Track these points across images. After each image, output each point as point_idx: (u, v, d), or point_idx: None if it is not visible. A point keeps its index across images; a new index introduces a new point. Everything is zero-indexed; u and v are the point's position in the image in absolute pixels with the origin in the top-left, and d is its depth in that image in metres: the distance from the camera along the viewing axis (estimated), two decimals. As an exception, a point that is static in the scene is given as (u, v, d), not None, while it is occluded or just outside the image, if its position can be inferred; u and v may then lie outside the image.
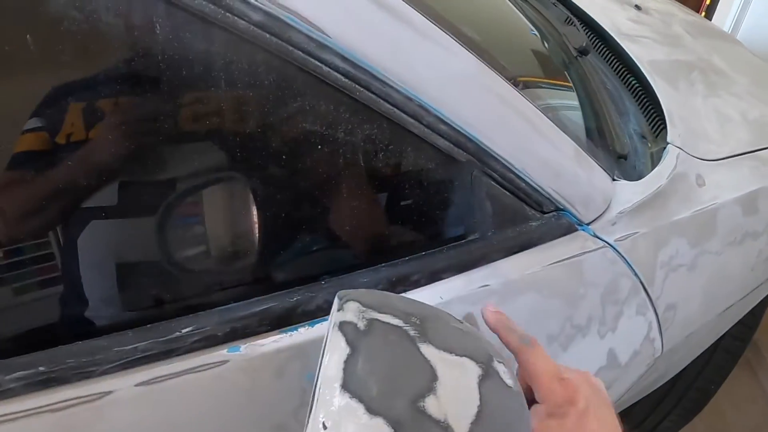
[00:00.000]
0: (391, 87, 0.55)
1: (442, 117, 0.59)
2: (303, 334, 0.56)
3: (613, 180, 0.78)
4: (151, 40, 0.47)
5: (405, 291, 0.61)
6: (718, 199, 0.85)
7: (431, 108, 0.58)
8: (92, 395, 0.49)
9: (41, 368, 0.48)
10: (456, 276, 0.64)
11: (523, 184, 0.66)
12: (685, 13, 1.30)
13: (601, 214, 0.75)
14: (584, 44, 0.95)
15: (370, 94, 0.55)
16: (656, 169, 0.82)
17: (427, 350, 0.40)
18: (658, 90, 0.93)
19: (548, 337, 0.69)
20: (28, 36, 0.44)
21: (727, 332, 1.09)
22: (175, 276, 0.54)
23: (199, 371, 0.52)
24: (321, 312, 0.57)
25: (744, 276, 0.93)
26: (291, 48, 0.51)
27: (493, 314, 0.53)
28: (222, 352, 0.53)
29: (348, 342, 0.38)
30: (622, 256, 0.75)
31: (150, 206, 0.53)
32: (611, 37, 1.04)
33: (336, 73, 0.53)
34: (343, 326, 0.39)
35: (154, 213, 0.53)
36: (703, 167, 0.87)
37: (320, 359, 0.38)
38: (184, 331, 0.52)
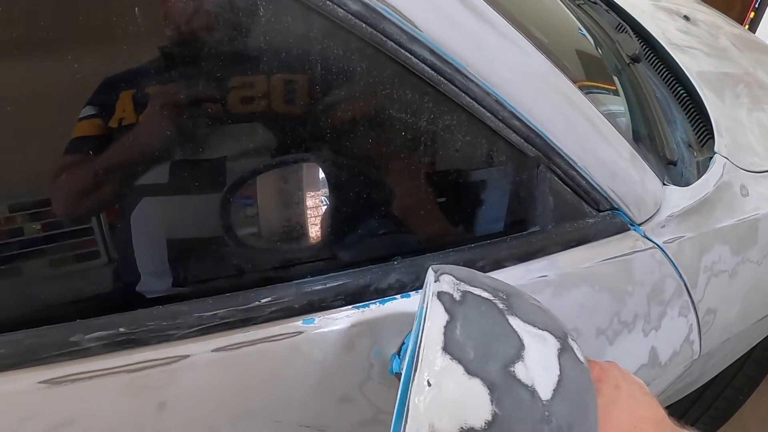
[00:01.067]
0: (473, 82, 0.59)
1: (515, 113, 0.62)
2: (374, 311, 0.60)
3: (664, 185, 0.81)
4: (254, 22, 0.51)
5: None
6: (761, 210, 0.88)
7: (507, 104, 0.62)
8: (169, 358, 0.53)
9: (121, 329, 0.52)
10: (517, 265, 0.67)
11: (584, 182, 0.70)
12: (731, 26, 1.33)
13: (651, 216, 0.78)
14: (637, 52, 0.98)
15: (453, 87, 0.59)
16: (704, 176, 0.85)
17: (514, 322, 0.44)
18: (706, 100, 0.97)
19: (597, 330, 0.73)
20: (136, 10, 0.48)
21: (758, 344, 1.12)
22: (257, 248, 0.58)
23: (274, 340, 0.56)
24: (392, 290, 0.61)
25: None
26: (384, 38, 0.55)
27: None
28: (297, 324, 0.57)
29: (446, 310, 0.42)
30: (669, 258, 0.79)
31: (239, 183, 0.57)
32: (661, 46, 1.07)
33: (424, 65, 0.57)
34: (441, 296, 0.43)
35: (242, 188, 0.57)
36: (747, 178, 0.90)
37: (421, 324, 0.42)
38: (262, 301, 0.56)
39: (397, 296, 0.61)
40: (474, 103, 0.60)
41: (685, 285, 0.81)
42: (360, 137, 0.58)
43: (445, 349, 0.40)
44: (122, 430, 0.53)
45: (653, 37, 1.10)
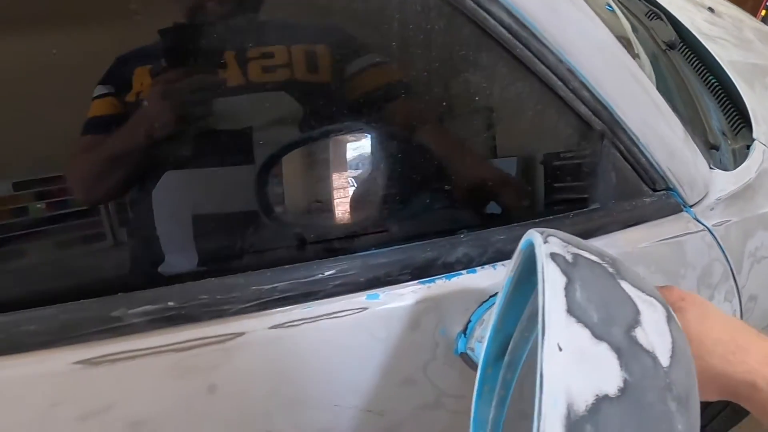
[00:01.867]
0: (547, 48, 0.57)
1: (586, 83, 0.61)
2: (440, 286, 0.57)
3: (710, 168, 0.81)
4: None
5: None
6: (801, 197, 0.88)
7: (578, 73, 0.60)
8: (222, 336, 0.49)
9: (170, 303, 0.48)
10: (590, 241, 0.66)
11: (643, 159, 0.68)
12: (751, 20, 1.34)
13: (701, 199, 0.77)
14: (673, 38, 0.98)
15: (527, 53, 0.57)
16: (746, 162, 0.85)
17: (625, 286, 0.42)
18: (741, 90, 0.97)
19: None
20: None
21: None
22: (321, 217, 0.55)
23: (337, 317, 0.53)
24: (459, 265, 0.58)
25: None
26: (464, -4, 0.52)
27: None
28: (361, 299, 0.54)
29: (562, 271, 0.39)
30: (718, 242, 0.78)
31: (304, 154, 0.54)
32: (692, 35, 1.08)
33: (501, 27, 0.55)
34: (554, 257, 0.40)
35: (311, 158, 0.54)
36: (786, 166, 0.90)
37: (540, 287, 0.40)
38: (326, 273, 0.53)
39: (464, 271, 0.59)
40: (547, 70, 0.59)
41: (731, 269, 0.80)
42: (432, 103, 0.56)
43: (569, 311, 0.37)
44: (166, 417, 0.49)
45: (683, 25, 1.10)
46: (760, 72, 1.08)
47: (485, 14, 0.54)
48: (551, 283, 0.39)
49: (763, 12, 2.74)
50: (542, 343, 0.37)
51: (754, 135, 0.90)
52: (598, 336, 0.37)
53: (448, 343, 0.58)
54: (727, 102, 1.00)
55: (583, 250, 0.43)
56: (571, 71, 0.60)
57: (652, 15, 1.08)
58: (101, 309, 0.46)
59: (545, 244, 0.42)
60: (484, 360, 0.50)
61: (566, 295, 0.38)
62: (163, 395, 0.48)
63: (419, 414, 0.59)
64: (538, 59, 0.58)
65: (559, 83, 0.60)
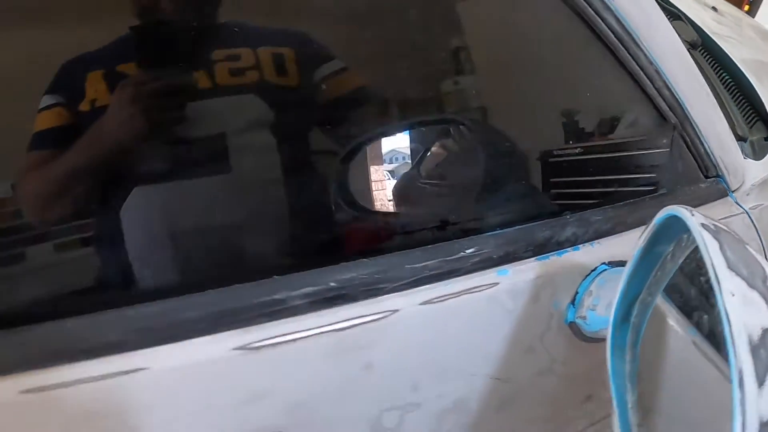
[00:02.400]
0: (641, 50, 0.66)
1: (667, 82, 0.70)
2: (553, 262, 0.65)
3: (744, 157, 0.92)
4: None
5: (623, 232, 0.71)
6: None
7: (662, 73, 0.69)
8: (378, 313, 0.54)
9: (332, 284, 0.52)
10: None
11: (702, 149, 0.78)
12: (747, 18, 1.48)
13: (740, 186, 0.88)
14: (695, 38, 1.09)
15: (626, 53, 0.65)
16: (771, 151, 0.96)
17: (749, 249, 0.50)
18: (756, 86, 1.09)
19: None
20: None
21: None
22: (463, 199, 0.62)
23: (475, 292, 0.60)
24: (567, 243, 0.66)
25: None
26: (586, 4, 0.60)
27: None
28: (493, 275, 0.61)
29: (713, 237, 0.48)
30: (754, 224, 0.89)
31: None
32: (705, 34, 1.19)
33: (608, 30, 0.63)
34: (704, 226, 0.49)
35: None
36: (799, 155, 1.03)
37: (704, 249, 0.48)
38: (467, 251, 0.60)
39: (570, 249, 0.67)
40: (639, 70, 0.67)
41: (764, 248, 0.91)
42: (553, 95, 0.64)
43: (729, 267, 0.46)
44: (324, 397, 0.52)
45: (697, 25, 1.21)
46: (766, 68, 1.20)
47: (599, 19, 0.62)
48: (711, 245, 0.47)
49: (747, 6, 2.93)
50: (720, 291, 0.45)
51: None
52: (750, 286, 0.46)
53: (560, 314, 0.66)
54: (741, 98, 1.12)
55: (713, 221, 0.52)
56: (657, 71, 0.68)
57: (673, 16, 1.19)
58: (264, 293, 0.49)
59: (694, 216, 0.50)
60: (613, 322, 0.58)
61: (723, 255, 0.47)
62: (322, 376, 0.52)
63: (535, 380, 0.67)
64: (633, 59, 0.66)
65: (647, 81, 0.68)
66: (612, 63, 0.65)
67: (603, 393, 0.77)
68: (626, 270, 0.58)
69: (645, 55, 0.66)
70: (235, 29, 0.52)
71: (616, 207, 0.71)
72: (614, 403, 0.56)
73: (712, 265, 0.46)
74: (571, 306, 0.66)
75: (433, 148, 0.60)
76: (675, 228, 0.56)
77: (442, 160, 0.61)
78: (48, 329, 0.43)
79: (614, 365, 0.57)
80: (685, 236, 0.56)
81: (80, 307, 0.44)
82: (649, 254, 0.58)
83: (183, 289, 0.48)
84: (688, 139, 0.76)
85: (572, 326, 0.67)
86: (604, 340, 0.59)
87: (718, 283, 0.44)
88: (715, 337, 0.52)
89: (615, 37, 0.64)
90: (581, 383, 0.72)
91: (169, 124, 0.51)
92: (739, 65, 1.12)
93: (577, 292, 0.66)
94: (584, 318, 0.66)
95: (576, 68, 0.64)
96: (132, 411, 0.44)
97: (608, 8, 0.62)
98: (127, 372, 0.44)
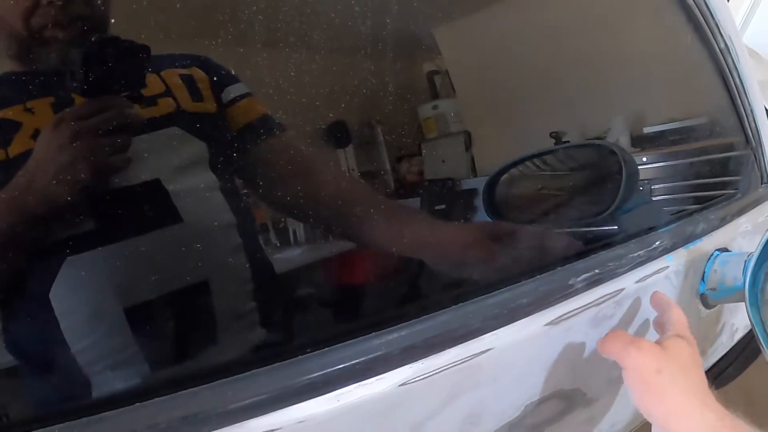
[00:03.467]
0: (743, 86, 0.93)
1: (752, 107, 0.97)
2: (692, 251, 0.89)
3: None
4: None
5: (724, 225, 0.97)
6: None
7: (749, 99, 0.96)
8: (616, 290, 0.72)
9: (596, 270, 0.70)
10: (736, 219, 1.02)
11: (764, 163, 1.07)
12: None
13: (776, 187, 1.18)
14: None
15: (734, 85, 0.92)
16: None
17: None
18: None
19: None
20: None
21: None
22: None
23: (659, 272, 0.81)
24: (699, 235, 0.91)
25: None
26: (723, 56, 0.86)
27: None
28: (665, 260, 0.84)
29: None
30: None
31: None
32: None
33: (729, 72, 0.89)
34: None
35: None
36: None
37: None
38: (655, 244, 0.83)
39: (698, 240, 0.92)
40: (738, 99, 0.94)
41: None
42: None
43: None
44: (588, 360, 0.71)
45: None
46: (763, 87, 1.53)
47: (725, 62, 0.88)
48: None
49: None
50: None
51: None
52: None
53: (695, 288, 0.91)
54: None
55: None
56: (748, 100, 0.96)
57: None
58: (561, 280, 0.67)
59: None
60: (749, 285, 0.83)
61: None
62: (588, 341, 0.69)
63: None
64: (738, 92, 0.93)
65: (741, 106, 0.95)
66: (731, 104, 0.91)
67: (709, 349, 1.03)
68: (756, 250, 0.83)
69: (744, 87, 0.93)
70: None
71: (720, 207, 0.97)
72: (763, 344, 0.81)
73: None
74: (702, 282, 0.92)
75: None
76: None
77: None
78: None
79: (755, 316, 0.82)
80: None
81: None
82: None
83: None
84: (757, 153, 1.04)
85: (702, 297, 0.92)
86: (717, 306, 0.83)
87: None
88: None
89: (735, 87, 0.90)
90: (701, 340, 0.96)
91: (115, 168, 0.44)
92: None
93: (704, 272, 0.92)
94: (714, 289, 0.91)
95: (709, 107, 0.90)
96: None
97: (737, 69, 0.87)
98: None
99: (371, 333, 0.53)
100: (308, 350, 0.50)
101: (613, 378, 0.76)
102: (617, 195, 0.87)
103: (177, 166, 0.47)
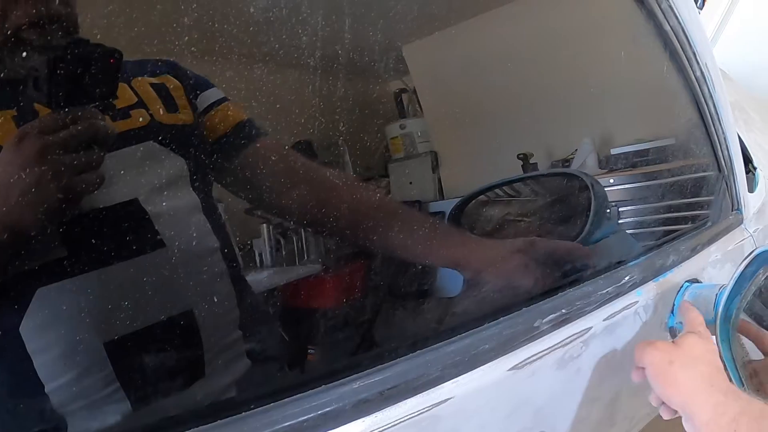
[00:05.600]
0: (717, 114, 0.95)
1: (725, 134, 0.99)
2: (661, 283, 0.91)
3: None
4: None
5: (695, 256, 0.99)
6: (784, 209, 1.38)
7: (722, 126, 0.98)
8: (584, 330, 0.73)
9: (563, 310, 0.71)
10: (706, 248, 1.04)
11: (735, 190, 1.10)
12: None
13: (747, 215, 1.21)
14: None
15: (708, 113, 0.94)
16: (759, 185, 1.32)
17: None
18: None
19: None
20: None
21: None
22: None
23: (629, 308, 0.82)
24: (668, 267, 0.93)
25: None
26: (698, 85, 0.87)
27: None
28: (634, 295, 0.85)
29: None
30: (755, 245, 1.23)
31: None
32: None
33: (703, 100, 0.91)
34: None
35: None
36: (770, 186, 1.39)
37: None
38: (625, 279, 0.83)
39: (667, 272, 0.93)
40: (712, 126, 0.96)
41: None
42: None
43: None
44: (553, 400, 0.71)
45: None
46: (732, 108, 1.58)
47: (700, 90, 0.89)
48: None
49: None
50: None
51: (756, 164, 1.37)
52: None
53: (664, 322, 0.92)
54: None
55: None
56: (721, 125, 0.98)
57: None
58: (526, 322, 0.66)
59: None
60: (720, 320, 0.84)
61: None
62: (553, 383, 0.69)
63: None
64: (711, 118, 0.95)
65: (714, 132, 0.97)
66: (704, 132, 0.93)
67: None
68: (729, 284, 0.85)
69: (718, 114, 0.95)
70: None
71: (691, 236, 0.99)
72: (734, 379, 0.82)
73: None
74: (671, 314, 0.93)
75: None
76: (763, 257, 0.84)
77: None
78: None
79: (725, 352, 0.84)
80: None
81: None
82: (743, 275, 0.86)
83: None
84: (728, 182, 1.06)
85: (671, 330, 0.94)
86: None
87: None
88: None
89: (710, 116, 0.91)
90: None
91: (87, 188, 0.41)
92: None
93: (673, 304, 0.93)
94: (683, 323, 0.93)
95: (684, 135, 0.91)
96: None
97: (712, 98, 0.89)
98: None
99: (320, 386, 0.51)
100: (251, 407, 0.47)
101: (581, 418, 0.77)
102: (585, 225, 0.88)
103: (155, 185, 0.45)
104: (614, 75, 0.93)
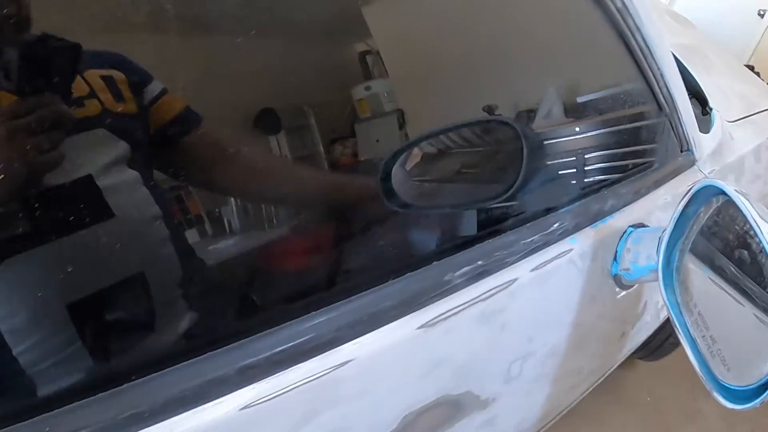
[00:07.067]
0: (655, 60, 0.92)
1: (661, 70, 0.97)
2: (601, 229, 0.89)
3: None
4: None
5: (639, 199, 0.97)
6: (744, 149, 1.36)
7: (665, 77, 0.96)
8: (507, 282, 0.71)
9: (479, 262, 0.69)
10: (656, 190, 1.02)
11: (681, 130, 1.07)
12: (665, 6, 1.84)
13: (700, 156, 1.19)
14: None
15: (646, 64, 0.91)
16: (714, 126, 1.29)
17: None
18: (688, 67, 1.42)
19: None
20: None
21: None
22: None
23: (562, 256, 0.81)
24: (608, 212, 0.90)
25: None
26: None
27: None
28: (568, 243, 0.84)
29: (746, 198, 0.73)
30: (711, 186, 1.20)
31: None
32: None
33: (637, 47, 0.88)
34: (738, 192, 0.74)
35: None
36: (729, 127, 1.37)
37: (745, 206, 0.72)
38: (555, 225, 0.82)
39: (607, 218, 0.91)
40: (645, 62, 0.93)
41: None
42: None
43: (761, 216, 0.71)
44: (476, 357, 0.70)
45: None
46: (691, 51, 1.55)
47: (633, 39, 0.87)
48: (747, 204, 0.73)
49: None
50: (761, 231, 0.70)
51: (711, 105, 1.35)
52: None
53: (607, 269, 0.91)
54: (677, 79, 1.45)
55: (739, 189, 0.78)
56: (662, 75, 0.95)
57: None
58: (434, 277, 0.64)
59: (729, 185, 0.76)
60: (662, 265, 0.83)
61: (755, 209, 0.73)
62: (475, 340, 0.68)
63: (595, 323, 0.91)
64: (649, 67, 0.92)
65: (653, 77, 0.95)
66: (635, 68, 0.90)
67: (630, 330, 1.04)
68: (668, 227, 0.83)
69: (656, 63, 0.92)
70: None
71: (633, 180, 0.97)
72: (677, 325, 0.81)
73: (752, 218, 0.72)
74: (614, 262, 0.91)
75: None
76: (704, 194, 0.82)
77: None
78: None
79: (669, 298, 0.82)
80: (714, 200, 0.82)
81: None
82: (684, 214, 0.84)
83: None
84: (673, 123, 1.04)
85: (616, 278, 0.92)
86: (635, 287, 0.83)
87: (759, 228, 0.70)
88: (756, 264, 0.79)
89: (640, 50, 0.89)
90: (619, 323, 0.97)
91: (49, 165, 0.48)
92: (673, 51, 1.44)
93: (616, 251, 0.91)
94: (628, 270, 0.91)
95: (611, 72, 0.89)
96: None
97: (639, 30, 0.86)
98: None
99: (203, 354, 0.50)
100: (132, 378, 0.48)
101: (513, 375, 0.75)
102: (518, 172, 0.86)
103: (105, 163, 0.52)
104: (567, 24, 0.91)
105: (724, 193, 0.75)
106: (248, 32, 0.60)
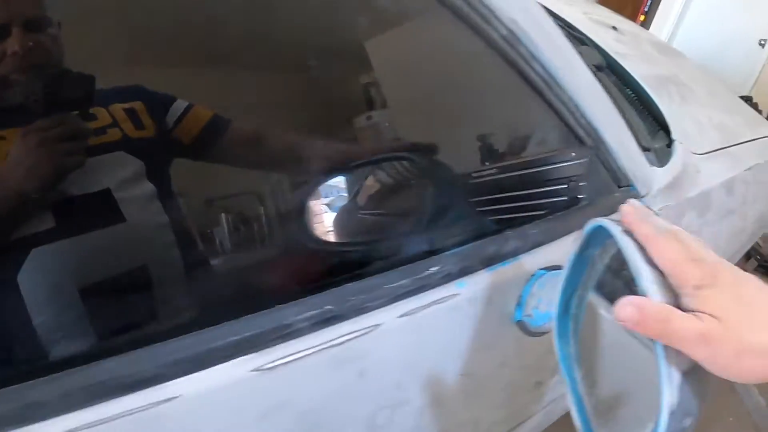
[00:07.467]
0: (563, 90, 0.88)
1: (584, 113, 0.92)
2: (501, 272, 0.85)
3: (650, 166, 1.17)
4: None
5: (556, 240, 0.92)
6: (711, 183, 1.28)
7: (580, 106, 0.91)
8: (366, 328, 0.69)
9: (328, 307, 0.66)
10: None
11: (614, 165, 1.02)
12: (645, 33, 1.78)
13: (649, 191, 1.13)
14: (600, 61, 1.35)
15: (551, 94, 0.87)
16: (673, 159, 1.23)
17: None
18: (655, 99, 1.36)
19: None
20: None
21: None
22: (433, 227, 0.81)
23: (441, 302, 0.77)
24: (510, 254, 0.86)
25: (727, 244, 1.38)
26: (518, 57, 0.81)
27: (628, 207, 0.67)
28: (454, 287, 0.80)
29: (631, 239, 0.67)
30: (663, 224, 1.13)
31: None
32: (609, 55, 1.46)
33: (536, 76, 0.84)
34: (624, 232, 0.68)
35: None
36: (696, 159, 1.30)
37: (627, 249, 0.66)
38: (432, 269, 0.78)
39: (510, 260, 0.87)
40: (562, 106, 0.89)
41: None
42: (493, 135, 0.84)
43: (645, 261, 0.65)
44: (327, 403, 0.67)
45: (601, 48, 1.48)
46: (664, 81, 1.48)
47: (530, 68, 0.83)
48: (631, 247, 0.67)
49: (642, 17, 3.35)
50: (641, 275, 0.64)
51: (674, 136, 1.28)
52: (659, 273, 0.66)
53: (509, 315, 0.86)
54: (643, 110, 1.39)
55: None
56: (576, 105, 0.90)
57: (579, 41, 1.44)
58: (275, 320, 0.63)
59: (617, 225, 0.71)
60: (557, 315, 0.77)
61: (640, 252, 0.67)
62: (327, 385, 0.66)
63: (494, 372, 0.86)
64: (557, 98, 0.88)
65: (569, 115, 0.90)
66: (539, 102, 0.86)
67: (549, 379, 0.98)
68: (564, 271, 0.78)
69: (566, 92, 0.88)
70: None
71: (548, 220, 0.92)
72: (566, 380, 0.75)
73: (633, 260, 0.66)
74: (518, 307, 0.86)
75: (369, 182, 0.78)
76: (601, 235, 0.77)
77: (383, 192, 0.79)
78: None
79: (561, 349, 0.77)
80: (609, 241, 0.77)
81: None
82: (582, 257, 0.79)
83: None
84: (602, 158, 0.98)
85: (519, 324, 0.87)
86: (547, 333, 0.78)
87: (639, 272, 0.65)
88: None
89: (542, 81, 0.84)
90: (531, 372, 0.92)
91: (72, 166, 0.61)
92: (639, 81, 1.38)
93: (521, 295, 0.86)
94: (530, 316, 0.86)
95: (513, 111, 0.85)
96: None
97: (535, 58, 0.82)
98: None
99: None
100: None
101: (380, 424, 0.72)
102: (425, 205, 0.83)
103: (122, 179, 0.66)
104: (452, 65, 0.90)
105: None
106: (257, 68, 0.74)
